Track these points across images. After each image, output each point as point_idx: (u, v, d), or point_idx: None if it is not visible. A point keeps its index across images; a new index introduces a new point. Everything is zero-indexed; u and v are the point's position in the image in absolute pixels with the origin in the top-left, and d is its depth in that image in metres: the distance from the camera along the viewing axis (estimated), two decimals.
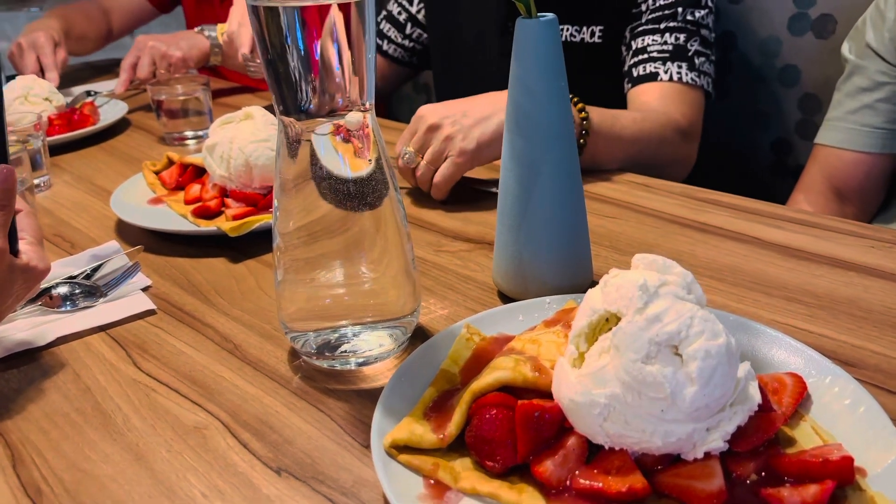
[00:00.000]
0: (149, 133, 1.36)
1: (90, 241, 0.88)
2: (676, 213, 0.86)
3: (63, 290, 0.73)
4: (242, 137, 0.88)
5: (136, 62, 1.49)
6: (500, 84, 0.75)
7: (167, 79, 1.38)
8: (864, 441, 0.44)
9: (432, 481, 0.45)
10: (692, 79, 1.13)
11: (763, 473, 0.42)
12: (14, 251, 0.58)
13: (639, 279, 0.43)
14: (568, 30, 1.22)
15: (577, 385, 0.44)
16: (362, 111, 0.54)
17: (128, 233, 0.90)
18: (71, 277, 0.74)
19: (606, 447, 0.44)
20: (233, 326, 0.68)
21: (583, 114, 0.93)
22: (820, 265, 0.72)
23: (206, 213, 0.88)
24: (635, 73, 1.15)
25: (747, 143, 1.38)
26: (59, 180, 1.12)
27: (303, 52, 0.50)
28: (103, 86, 1.63)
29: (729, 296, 0.67)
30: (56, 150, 1.24)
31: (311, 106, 0.53)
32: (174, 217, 0.89)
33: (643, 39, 1.16)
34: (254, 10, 0.50)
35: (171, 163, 1.02)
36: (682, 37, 1.14)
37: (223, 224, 0.83)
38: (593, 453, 0.44)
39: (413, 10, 1.46)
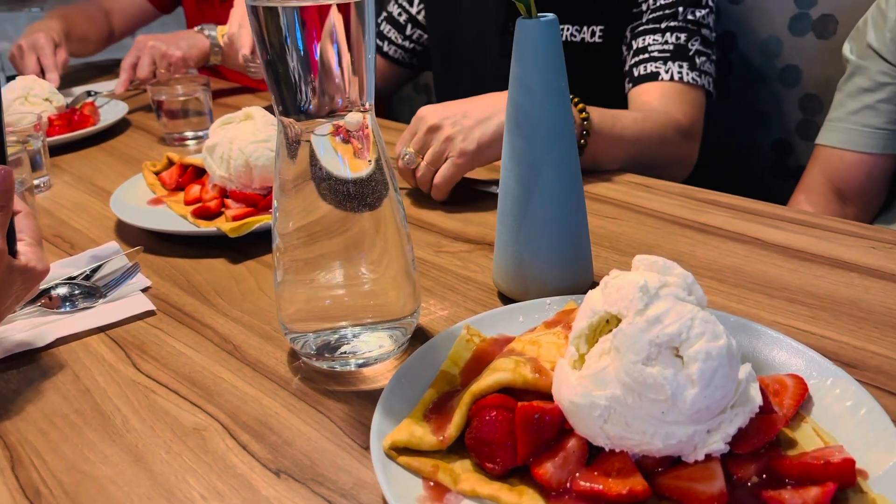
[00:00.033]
0: (149, 133, 1.36)
1: (90, 242, 0.88)
2: (677, 213, 0.86)
3: (62, 290, 0.73)
4: (242, 138, 0.88)
5: (136, 62, 1.49)
6: (500, 84, 0.75)
7: (167, 79, 1.37)
8: (866, 443, 0.44)
9: (432, 483, 0.45)
10: (693, 78, 1.12)
11: (764, 475, 0.42)
12: (13, 252, 0.57)
13: (639, 280, 0.43)
14: (568, 29, 1.22)
15: (578, 387, 0.43)
16: (362, 112, 0.54)
17: (128, 233, 0.90)
18: (70, 278, 0.74)
19: (607, 449, 0.43)
20: (232, 327, 0.68)
21: (583, 114, 0.92)
22: (821, 266, 0.71)
23: (205, 214, 0.88)
24: (636, 73, 1.15)
25: (748, 143, 1.38)
26: (59, 181, 1.12)
27: (302, 53, 0.50)
28: (104, 86, 1.63)
29: (730, 297, 0.67)
30: (56, 150, 1.24)
31: (311, 106, 0.52)
32: (174, 218, 0.89)
33: (644, 39, 1.16)
34: (253, 11, 0.50)
35: (171, 163, 1.02)
36: (682, 36, 1.14)
37: (223, 225, 0.83)
38: (594, 455, 0.44)
39: (413, 10, 1.46)
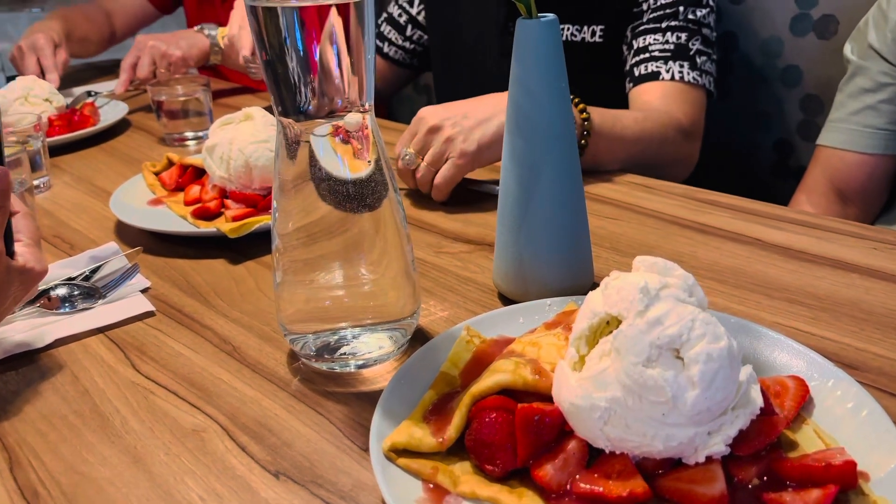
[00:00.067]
0: (149, 134, 1.35)
1: (89, 243, 0.88)
2: (677, 214, 0.85)
3: (62, 291, 0.73)
4: (242, 138, 0.88)
5: (136, 62, 1.49)
6: (500, 85, 0.74)
7: (167, 79, 1.37)
8: (867, 445, 0.44)
9: (431, 485, 0.45)
10: (694, 78, 1.12)
11: (765, 478, 0.42)
12: (10, 253, 0.57)
13: (640, 282, 0.43)
14: (568, 29, 1.22)
15: (578, 388, 0.43)
16: (361, 112, 0.54)
17: (127, 234, 0.90)
18: (70, 279, 0.74)
19: (607, 451, 0.43)
20: (232, 328, 0.68)
21: (584, 114, 0.92)
22: (822, 267, 0.71)
23: (205, 215, 0.88)
24: (637, 73, 1.15)
25: (749, 143, 1.38)
26: (59, 181, 1.12)
27: (301, 53, 0.50)
28: (104, 86, 1.63)
29: (730, 298, 0.67)
30: (56, 150, 1.24)
31: (310, 107, 0.52)
32: (174, 218, 0.89)
33: (644, 39, 1.16)
34: (252, 11, 0.50)
35: (170, 164, 1.02)
36: (683, 36, 1.14)
37: (223, 225, 0.83)
38: (594, 457, 0.44)
39: (413, 11, 1.46)
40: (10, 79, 1.41)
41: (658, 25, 1.16)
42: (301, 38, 0.50)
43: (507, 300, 0.69)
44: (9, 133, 1.03)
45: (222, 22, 1.59)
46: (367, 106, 0.54)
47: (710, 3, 1.18)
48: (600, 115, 0.95)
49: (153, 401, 0.58)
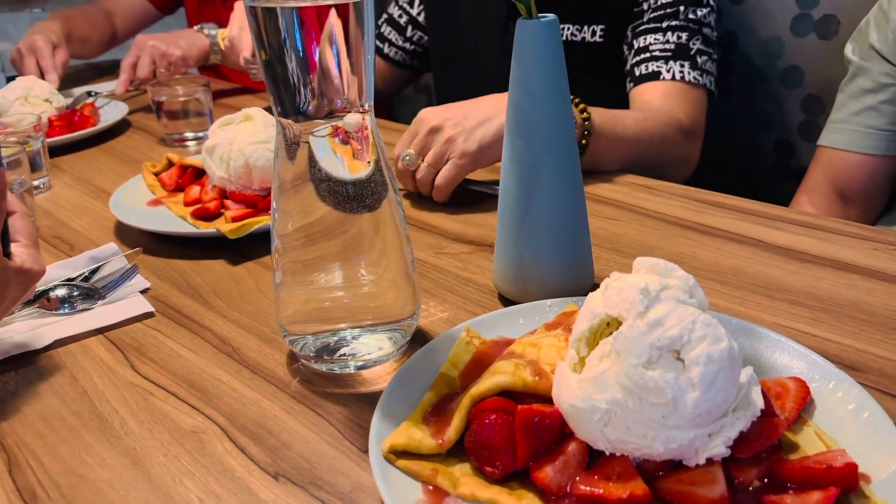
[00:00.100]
0: (149, 134, 1.35)
1: (89, 243, 0.88)
2: (678, 214, 0.85)
3: (61, 292, 0.72)
4: (242, 139, 0.87)
5: (135, 62, 1.49)
6: (500, 85, 0.74)
7: (168, 79, 1.37)
8: (869, 447, 0.44)
9: (431, 487, 0.45)
10: (695, 77, 1.12)
11: (766, 480, 0.42)
12: (7, 253, 0.57)
13: (640, 283, 0.42)
14: (569, 29, 1.22)
15: (578, 390, 0.43)
16: (361, 113, 0.54)
17: (127, 234, 0.89)
18: (69, 280, 0.74)
19: (607, 453, 0.43)
20: (231, 329, 0.68)
21: (584, 114, 0.92)
22: (823, 268, 0.71)
23: (205, 215, 0.88)
24: (637, 73, 1.15)
25: (749, 144, 1.38)
26: (59, 182, 1.12)
27: (301, 54, 0.50)
28: (104, 86, 1.63)
29: (731, 299, 0.67)
30: (56, 151, 1.24)
31: (310, 107, 0.52)
32: (173, 219, 0.89)
33: (645, 38, 1.16)
34: (251, 11, 0.50)
35: (170, 164, 1.02)
36: (684, 35, 1.14)
37: (222, 226, 0.82)
38: (594, 459, 0.44)
39: (414, 12, 1.46)
40: (10, 79, 1.41)
41: (659, 25, 1.15)
42: (300, 38, 0.49)
43: (507, 301, 0.68)
44: (9, 133, 1.03)
45: (223, 22, 1.59)
46: (366, 106, 0.54)
47: (711, 2, 1.17)
48: (601, 115, 0.94)
49: (152, 402, 0.58)
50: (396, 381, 0.52)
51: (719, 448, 0.41)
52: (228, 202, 0.89)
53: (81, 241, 0.89)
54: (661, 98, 1.11)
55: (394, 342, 0.60)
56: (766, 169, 1.37)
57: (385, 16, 1.50)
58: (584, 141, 0.92)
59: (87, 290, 0.73)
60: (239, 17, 1.42)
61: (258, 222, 0.83)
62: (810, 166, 1.12)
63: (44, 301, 0.71)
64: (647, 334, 0.41)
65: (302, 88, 0.51)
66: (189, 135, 1.28)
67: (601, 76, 1.22)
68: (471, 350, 0.55)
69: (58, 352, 0.66)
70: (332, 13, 0.49)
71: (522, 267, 0.65)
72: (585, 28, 1.21)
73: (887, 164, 1.05)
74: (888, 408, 0.47)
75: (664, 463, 0.42)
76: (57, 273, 0.75)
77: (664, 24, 1.15)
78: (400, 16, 1.47)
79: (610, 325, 0.44)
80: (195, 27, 1.55)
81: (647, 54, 1.15)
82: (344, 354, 0.59)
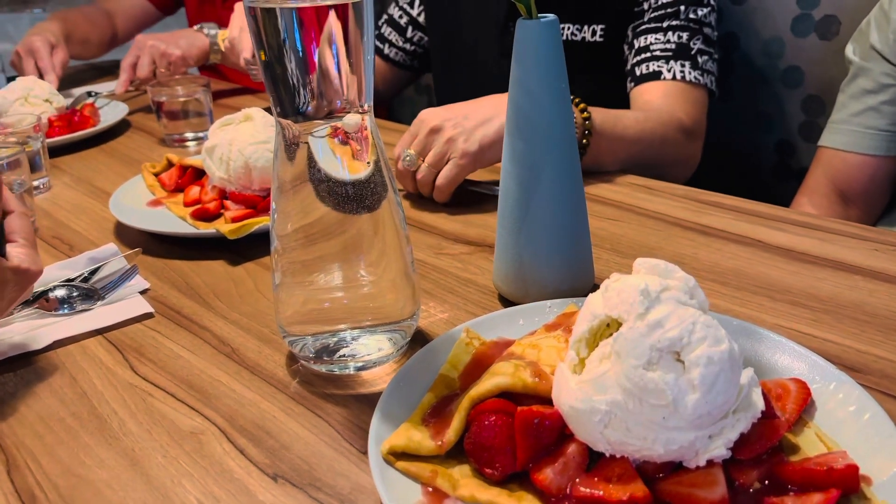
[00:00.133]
0: (149, 134, 1.35)
1: (89, 244, 0.88)
2: (678, 215, 0.85)
3: (60, 292, 0.72)
4: (242, 139, 0.87)
5: (135, 62, 1.49)
6: (500, 85, 0.74)
7: (168, 79, 1.37)
8: (870, 448, 0.44)
9: (430, 488, 0.45)
10: (696, 77, 1.12)
11: (766, 481, 0.42)
12: (3, 253, 0.57)
13: (640, 284, 0.42)
14: (569, 28, 1.22)
15: (578, 391, 0.43)
16: (360, 113, 0.54)
17: (127, 235, 0.89)
18: (68, 280, 0.74)
19: (607, 454, 0.43)
20: (231, 330, 0.67)
21: (585, 114, 0.92)
22: (824, 268, 0.71)
23: (205, 216, 0.87)
24: (638, 72, 1.15)
25: (750, 144, 1.38)
26: (59, 182, 1.12)
27: (300, 54, 0.50)
28: (104, 87, 1.63)
29: (732, 300, 0.67)
30: (56, 151, 1.24)
31: (309, 108, 0.52)
32: (173, 219, 0.89)
33: (645, 38, 1.16)
34: (251, 12, 0.50)
35: (170, 165, 1.02)
36: (684, 35, 1.14)
37: (222, 226, 0.82)
38: (594, 461, 0.44)
39: (414, 12, 1.46)
40: (10, 79, 1.41)
41: (659, 25, 1.15)
42: (300, 38, 0.49)
43: (507, 302, 0.68)
44: (9, 133, 1.03)
45: (223, 22, 1.59)
46: (366, 107, 0.54)
47: (712, 2, 1.17)
48: (601, 115, 0.94)
49: (151, 403, 0.58)
50: (396, 383, 0.52)
51: (720, 450, 0.41)
52: (228, 203, 0.89)
53: (81, 242, 0.89)
54: (662, 98, 1.10)
55: (393, 343, 0.60)
56: (767, 169, 1.37)
57: (385, 16, 1.50)
58: (584, 141, 0.92)
59: (87, 291, 0.73)
60: (239, 18, 1.42)
61: (258, 223, 0.83)
62: (811, 167, 1.12)
63: (43, 302, 0.71)
64: (648, 336, 0.41)
65: (301, 89, 0.51)
66: (189, 135, 1.28)
67: (601, 76, 1.22)
68: (470, 351, 0.55)
69: (57, 352, 0.66)
70: (332, 14, 0.49)
71: (522, 268, 0.65)
72: (585, 28, 1.21)
73: (888, 164, 1.05)
74: (889, 409, 0.46)
75: (664, 464, 0.42)
76: (56, 273, 0.75)
77: (665, 24, 1.15)
78: (400, 16, 1.47)
79: (610, 327, 0.44)
80: (195, 27, 1.54)
81: (648, 54, 1.15)
82: (343, 355, 0.59)
